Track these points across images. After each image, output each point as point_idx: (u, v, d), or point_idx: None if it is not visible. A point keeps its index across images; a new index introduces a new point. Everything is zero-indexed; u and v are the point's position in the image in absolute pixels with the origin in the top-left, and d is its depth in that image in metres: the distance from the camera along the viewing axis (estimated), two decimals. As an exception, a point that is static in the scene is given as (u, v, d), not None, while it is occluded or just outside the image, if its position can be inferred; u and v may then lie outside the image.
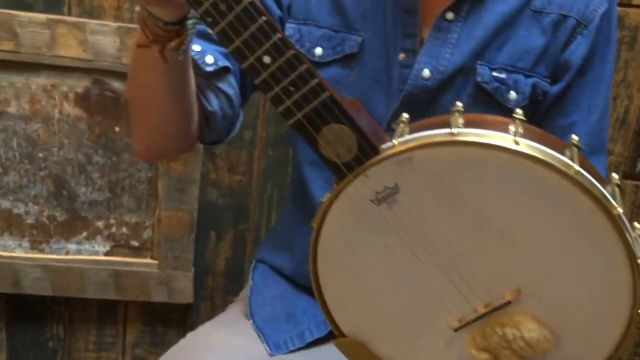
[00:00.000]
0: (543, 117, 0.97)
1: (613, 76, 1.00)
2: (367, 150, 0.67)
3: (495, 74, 0.93)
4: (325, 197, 0.73)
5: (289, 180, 1.76)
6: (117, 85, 1.64)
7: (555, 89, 0.95)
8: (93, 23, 1.58)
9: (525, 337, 0.70)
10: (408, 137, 0.67)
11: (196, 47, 0.94)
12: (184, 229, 1.75)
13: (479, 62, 0.93)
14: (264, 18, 0.64)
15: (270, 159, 1.75)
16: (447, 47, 0.93)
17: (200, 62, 0.94)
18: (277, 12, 0.99)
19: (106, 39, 1.59)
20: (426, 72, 0.93)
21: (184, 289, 1.79)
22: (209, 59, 0.94)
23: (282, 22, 1.00)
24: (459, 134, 0.64)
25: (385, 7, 0.96)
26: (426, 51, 0.93)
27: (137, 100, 0.93)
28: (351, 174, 0.68)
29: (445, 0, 0.94)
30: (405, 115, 0.72)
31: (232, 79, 0.98)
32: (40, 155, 1.67)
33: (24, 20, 1.56)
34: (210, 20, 0.66)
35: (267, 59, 0.65)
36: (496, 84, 0.93)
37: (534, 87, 0.94)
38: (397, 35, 0.95)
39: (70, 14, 1.61)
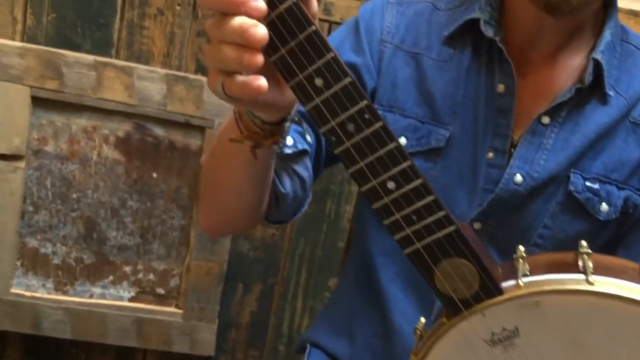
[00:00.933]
0: (630, 229, 0.92)
1: None
2: (490, 289, 0.61)
3: (588, 183, 0.88)
4: (420, 324, 0.67)
5: (323, 237, 1.70)
6: (159, 131, 1.58)
7: None
8: (141, 68, 1.52)
9: None
10: (534, 278, 0.61)
11: None
12: (212, 279, 1.68)
13: (572, 170, 0.88)
14: (395, 144, 0.59)
15: (305, 214, 1.68)
16: (541, 152, 0.88)
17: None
18: None
19: (153, 85, 1.53)
20: (518, 177, 0.88)
21: (206, 340, 1.72)
22: (288, 140, 0.88)
23: None
24: (594, 283, 0.58)
25: (476, 102, 0.91)
26: (519, 155, 0.88)
27: (213, 183, 0.87)
28: (467, 311, 0.62)
29: (541, 103, 0.89)
30: (521, 249, 0.66)
31: (307, 161, 0.93)
32: (74, 195, 1.60)
33: (71, 60, 1.49)
34: (334, 139, 0.60)
35: (391, 184, 0.60)
36: (588, 194, 0.88)
37: (626, 199, 0.89)
38: (487, 133, 0.90)
39: (118, 57, 1.55)
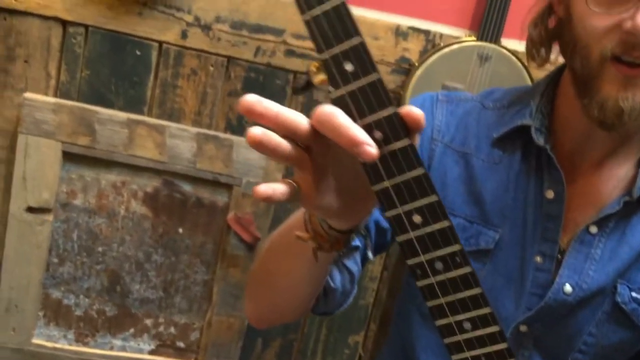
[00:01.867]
0: None
1: None
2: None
3: (634, 294, 0.88)
4: None
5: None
6: (187, 187, 1.58)
7: None
8: (173, 127, 1.52)
9: None
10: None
11: None
12: (232, 334, 1.68)
13: (619, 281, 0.88)
14: (459, 246, 0.60)
15: (327, 271, 1.69)
16: (590, 262, 0.88)
17: None
18: None
19: (184, 143, 1.53)
20: (568, 287, 0.88)
21: (224, 394, 1.72)
22: None
23: None
24: None
25: (525, 206, 0.91)
26: (568, 264, 0.88)
27: (268, 276, 0.87)
28: None
29: (589, 212, 0.89)
30: None
31: (357, 256, 0.93)
32: (99, 249, 1.59)
33: (104, 117, 1.49)
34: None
35: (450, 285, 0.61)
36: (634, 305, 0.88)
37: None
38: (535, 237, 0.90)
39: (150, 114, 1.55)
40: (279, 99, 1.56)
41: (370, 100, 0.56)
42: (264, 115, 0.56)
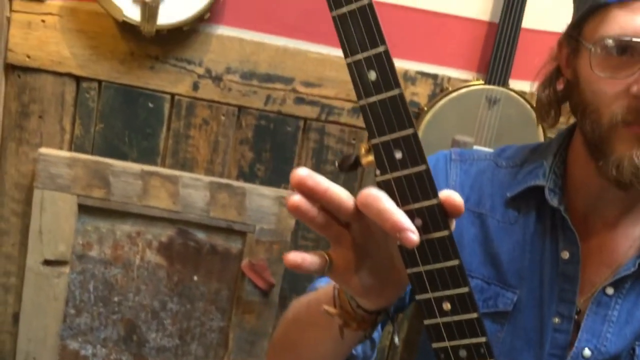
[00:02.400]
0: None
1: None
2: None
3: None
4: None
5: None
6: (201, 235, 1.59)
7: None
8: (186, 176, 1.54)
9: None
10: None
11: None
12: (249, 379, 1.68)
13: (637, 343, 0.89)
14: (476, 314, 0.60)
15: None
16: (607, 324, 0.88)
17: None
18: None
19: (197, 192, 1.55)
20: (587, 352, 0.88)
21: None
22: None
23: None
24: None
25: (542, 267, 0.91)
26: (587, 327, 0.88)
27: (289, 347, 0.87)
28: None
29: (605, 272, 0.89)
30: None
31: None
32: (115, 299, 1.60)
33: (118, 170, 1.51)
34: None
35: (462, 353, 0.61)
36: None
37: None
38: (553, 298, 0.90)
39: (163, 164, 1.56)
40: (290, 145, 1.58)
41: (415, 189, 0.58)
42: (313, 190, 0.58)
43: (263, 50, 1.51)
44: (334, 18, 0.56)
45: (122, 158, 1.53)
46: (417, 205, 0.58)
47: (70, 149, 1.53)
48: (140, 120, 1.53)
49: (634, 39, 0.77)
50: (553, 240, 0.91)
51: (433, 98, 1.57)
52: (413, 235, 0.56)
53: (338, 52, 1.56)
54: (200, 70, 1.51)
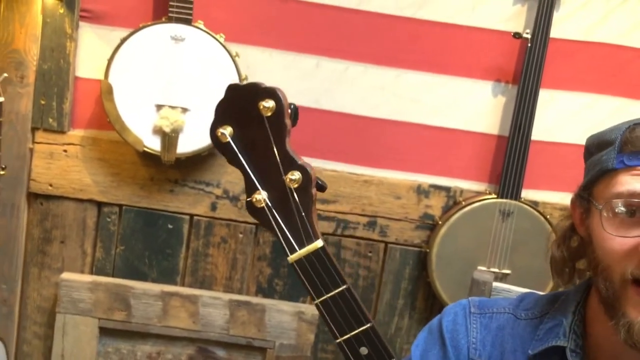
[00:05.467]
0: None
1: None
2: None
3: None
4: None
5: None
6: (221, 353, 1.58)
7: None
8: (206, 296, 1.54)
9: None
10: None
11: None
12: None
13: None
14: None
15: None
16: None
17: None
18: None
19: (216, 311, 1.55)
20: None
21: None
22: None
23: None
24: None
25: None
26: None
27: None
28: None
29: None
30: None
31: None
32: (136, 418, 1.59)
33: (138, 292, 1.52)
34: None
35: None
36: None
37: None
38: None
39: (183, 283, 1.57)
40: (307, 259, 1.59)
41: None
42: None
43: (279, 170, 1.53)
44: None
45: (143, 278, 1.54)
46: None
47: (91, 272, 1.54)
48: (160, 241, 1.54)
49: None
50: (573, 394, 0.91)
51: (447, 210, 1.58)
52: None
53: (352, 169, 1.60)
54: (219, 192, 1.53)
